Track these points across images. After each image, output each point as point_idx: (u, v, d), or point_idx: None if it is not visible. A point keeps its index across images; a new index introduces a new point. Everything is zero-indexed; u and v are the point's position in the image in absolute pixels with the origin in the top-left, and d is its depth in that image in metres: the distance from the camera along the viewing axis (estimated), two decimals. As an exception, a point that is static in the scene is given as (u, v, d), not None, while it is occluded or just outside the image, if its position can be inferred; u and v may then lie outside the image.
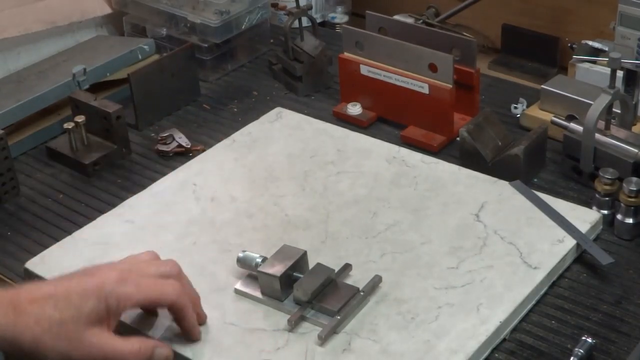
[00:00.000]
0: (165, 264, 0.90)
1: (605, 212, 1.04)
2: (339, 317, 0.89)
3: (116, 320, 0.84)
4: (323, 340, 0.88)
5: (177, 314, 0.88)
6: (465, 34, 1.37)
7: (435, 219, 1.04)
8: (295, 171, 1.14)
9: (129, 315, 0.90)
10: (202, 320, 0.91)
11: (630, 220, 1.02)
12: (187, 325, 0.88)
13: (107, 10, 1.53)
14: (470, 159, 1.14)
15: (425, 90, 1.20)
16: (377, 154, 1.16)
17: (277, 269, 0.92)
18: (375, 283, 0.94)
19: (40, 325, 0.80)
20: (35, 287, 0.84)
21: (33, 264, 1.02)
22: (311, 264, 0.95)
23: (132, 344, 0.84)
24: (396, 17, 1.44)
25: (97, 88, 1.36)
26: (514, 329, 0.92)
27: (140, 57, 1.42)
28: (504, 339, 0.91)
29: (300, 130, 1.23)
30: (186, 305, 0.87)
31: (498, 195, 1.07)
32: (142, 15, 1.50)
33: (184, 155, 1.24)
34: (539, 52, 1.42)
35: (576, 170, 1.12)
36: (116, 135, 1.24)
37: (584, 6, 1.38)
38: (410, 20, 1.41)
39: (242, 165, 1.16)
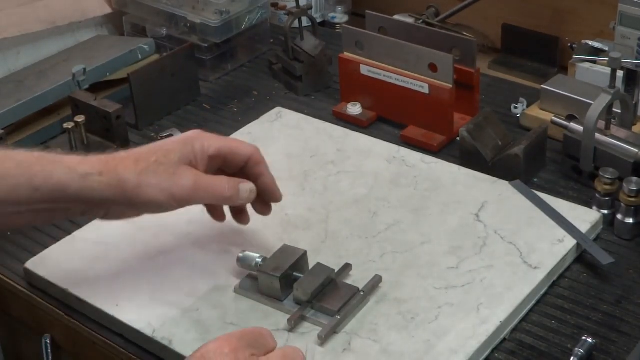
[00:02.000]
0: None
1: (606, 212, 1.04)
2: (339, 317, 0.89)
3: (201, 168, 0.92)
4: (323, 340, 0.88)
5: (254, 168, 0.95)
6: (465, 33, 1.37)
7: (435, 219, 1.04)
8: (295, 171, 1.14)
9: None
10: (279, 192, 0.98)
11: (631, 220, 1.02)
12: (265, 177, 0.96)
13: (107, 10, 1.53)
14: (470, 158, 1.14)
15: (425, 90, 1.20)
16: (377, 154, 1.16)
17: (277, 269, 0.92)
18: (375, 283, 0.94)
19: (139, 164, 0.88)
20: (125, 150, 0.92)
21: (33, 264, 1.02)
22: (311, 264, 0.95)
23: (221, 179, 0.92)
24: (396, 17, 1.44)
25: (97, 88, 1.36)
26: (514, 329, 0.92)
27: (140, 57, 1.42)
28: (504, 339, 0.91)
29: (300, 130, 1.23)
30: (263, 160, 0.96)
31: (498, 195, 1.07)
32: (142, 15, 1.50)
33: (184, 155, 1.24)
34: (539, 52, 1.42)
35: (576, 170, 1.12)
36: (116, 135, 1.24)
37: (584, 6, 1.38)
38: (410, 20, 1.41)
39: (242, 165, 1.16)
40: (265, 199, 0.97)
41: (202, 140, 0.92)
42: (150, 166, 0.88)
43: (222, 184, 0.91)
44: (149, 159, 0.89)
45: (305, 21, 1.39)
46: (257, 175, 0.95)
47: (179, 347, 0.89)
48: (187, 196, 0.89)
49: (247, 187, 0.93)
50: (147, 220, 1.07)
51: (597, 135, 1.08)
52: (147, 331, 0.91)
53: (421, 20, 1.42)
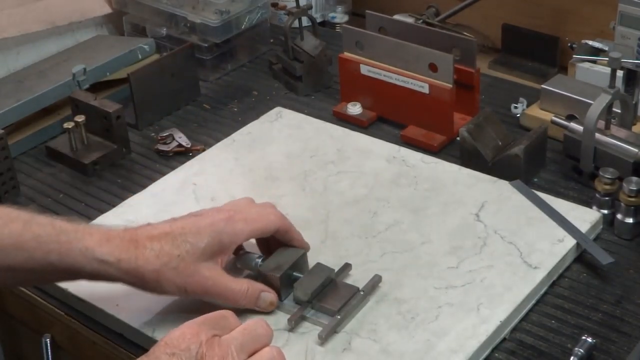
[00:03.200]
0: (262, 203, 0.96)
1: (605, 211, 1.04)
2: (339, 317, 0.89)
3: (227, 257, 0.91)
4: (323, 339, 0.88)
5: (284, 235, 0.94)
6: (465, 33, 1.37)
7: (436, 219, 1.04)
8: (295, 171, 1.14)
9: None
10: (307, 244, 0.97)
11: (630, 220, 1.02)
12: (297, 241, 0.95)
13: (107, 10, 1.53)
14: (470, 158, 1.14)
15: (426, 90, 1.20)
16: (377, 154, 1.16)
17: (277, 269, 0.92)
18: (375, 283, 0.94)
19: (160, 259, 0.86)
20: (151, 227, 0.89)
21: (33, 264, 1.02)
22: (311, 263, 0.95)
23: (241, 284, 0.90)
24: (396, 16, 1.44)
25: (97, 88, 1.36)
26: (514, 329, 0.92)
27: (140, 57, 1.42)
28: (504, 339, 0.91)
29: (300, 130, 1.23)
30: (290, 226, 0.94)
31: (498, 195, 1.07)
32: (142, 15, 1.50)
33: (184, 155, 1.24)
34: (539, 52, 1.42)
35: (576, 170, 1.12)
36: (116, 135, 1.24)
37: (584, 6, 1.38)
38: (410, 20, 1.41)
39: (242, 165, 1.16)
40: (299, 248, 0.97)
41: (232, 231, 0.89)
42: (172, 261, 0.86)
43: (241, 288, 0.89)
44: (172, 252, 0.86)
45: (305, 21, 1.39)
46: (288, 240, 0.95)
47: (179, 347, 0.89)
48: (200, 296, 0.89)
49: (268, 299, 0.91)
50: (147, 219, 1.07)
51: (597, 135, 1.08)
52: (147, 331, 0.91)
53: (421, 20, 1.42)
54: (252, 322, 0.77)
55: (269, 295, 0.91)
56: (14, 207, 0.89)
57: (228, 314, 0.78)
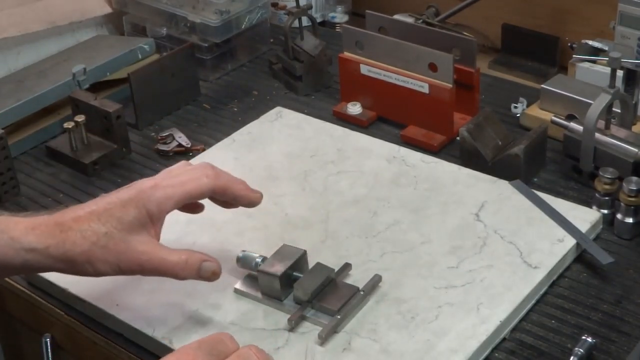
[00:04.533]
0: (197, 165, 0.91)
1: (605, 211, 1.04)
2: (339, 317, 0.89)
3: (159, 226, 0.86)
4: (323, 339, 0.88)
5: (224, 195, 0.89)
6: (465, 33, 1.37)
7: (435, 219, 1.04)
8: (295, 171, 1.14)
9: None
10: (256, 195, 0.92)
11: (630, 220, 1.02)
12: (242, 198, 0.91)
13: (107, 9, 1.53)
14: (470, 158, 1.14)
15: (425, 89, 1.20)
16: (377, 154, 1.16)
17: (277, 269, 0.92)
18: (375, 282, 0.94)
19: (87, 239, 0.82)
20: (77, 207, 0.86)
21: (33, 264, 1.02)
22: (311, 263, 0.95)
23: (179, 255, 0.85)
24: (396, 16, 1.43)
25: (97, 88, 1.36)
26: (514, 329, 0.92)
27: (140, 56, 1.42)
28: (504, 339, 0.91)
29: (300, 130, 1.23)
30: (227, 183, 0.89)
31: (498, 195, 1.07)
32: (142, 14, 1.50)
33: (184, 154, 1.24)
34: (539, 52, 1.42)
35: (576, 169, 1.12)
36: (116, 134, 1.24)
37: (584, 6, 1.38)
38: (410, 20, 1.41)
39: (242, 164, 1.16)
40: (246, 206, 0.94)
41: (157, 199, 0.85)
42: (100, 240, 0.82)
43: (179, 260, 0.85)
44: (99, 231, 0.82)
45: (305, 21, 1.39)
46: (231, 199, 0.91)
47: (179, 347, 0.88)
48: (136, 273, 0.85)
49: (210, 268, 0.86)
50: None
51: (597, 135, 1.08)
52: (147, 331, 0.91)
53: (421, 20, 1.42)
54: (245, 350, 0.74)
55: (211, 264, 0.86)
56: None
57: (225, 337, 0.74)
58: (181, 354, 0.71)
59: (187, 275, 0.85)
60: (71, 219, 0.84)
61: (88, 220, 0.83)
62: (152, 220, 0.85)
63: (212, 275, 0.86)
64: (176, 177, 0.88)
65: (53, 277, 0.99)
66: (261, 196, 0.93)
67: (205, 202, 1.01)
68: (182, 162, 0.94)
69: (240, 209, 1.07)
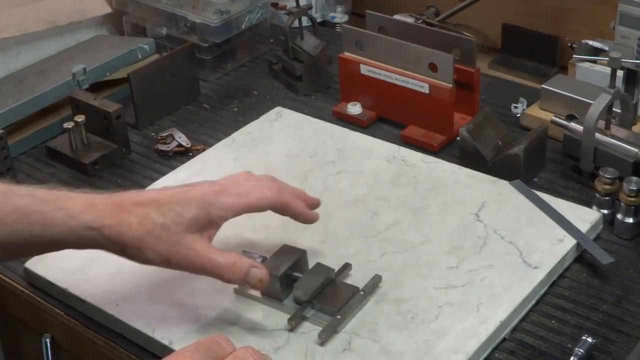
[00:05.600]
0: (260, 176, 0.93)
1: (606, 211, 1.04)
2: (339, 317, 0.89)
3: (215, 231, 0.87)
4: (323, 339, 0.88)
5: (284, 211, 0.91)
6: (465, 33, 1.37)
7: (435, 219, 1.04)
8: (295, 171, 1.14)
9: None
10: (315, 202, 0.96)
11: (631, 220, 1.02)
12: (299, 216, 0.93)
13: (107, 9, 1.53)
14: (470, 158, 1.14)
15: (425, 89, 1.20)
16: (377, 154, 1.16)
17: (277, 269, 0.92)
18: (375, 282, 0.94)
19: (143, 226, 0.83)
20: (139, 193, 0.87)
21: (33, 264, 1.02)
22: (311, 263, 0.95)
23: (228, 257, 0.85)
24: (396, 16, 1.44)
25: (97, 88, 1.36)
26: (514, 329, 0.92)
27: (140, 56, 1.42)
28: (504, 339, 0.91)
29: (300, 130, 1.23)
30: (289, 200, 0.91)
31: (498, 195, 1.07)
32: (142, 14, 1.50)
33: (184, 154, 1.24)
34: (539, 52, 1.42)
35: (576, 169, 1.12)
36: (116, 134, 1.24)
37: (584, 6, 1.38)
38: (410, 20, 1.41)
39: (242, 164, 1.16)
40: (302, 222, 0.95)
41: (222, 205, 0.86)
42: (156, 229, 0.83)
43: (227, 262, 0.85)
44: (156, 220, 0.83)
45: (305, 21, 1.39)
46: (288, 215, 0.93)
47: (179, 347, 0.89)
48: (183, 268, 0.85)
49: (258, 275, 0.86)
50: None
51: (597, 135, 1.08)
52: (147, 331, 0.91)
53: (421, 20, 1.42)
54: (241, 352, 0.73)
55: (259, 271, 0.86)
56: None
57: (222, 339, 0.74)
58: (179, 357, 0.71)
59: (233, 278, 0.86)
60: (131, 202, 0.84)
61: (148, 207, 0.84)
62: (210, 224, 0.86)
63: (258, 282, 0.86)
64: (241, 187, 0.89)
65: (53, 277, 1.00)
66: (318, 217, 0.95)
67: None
68: (246, 172, 0.94)
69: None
